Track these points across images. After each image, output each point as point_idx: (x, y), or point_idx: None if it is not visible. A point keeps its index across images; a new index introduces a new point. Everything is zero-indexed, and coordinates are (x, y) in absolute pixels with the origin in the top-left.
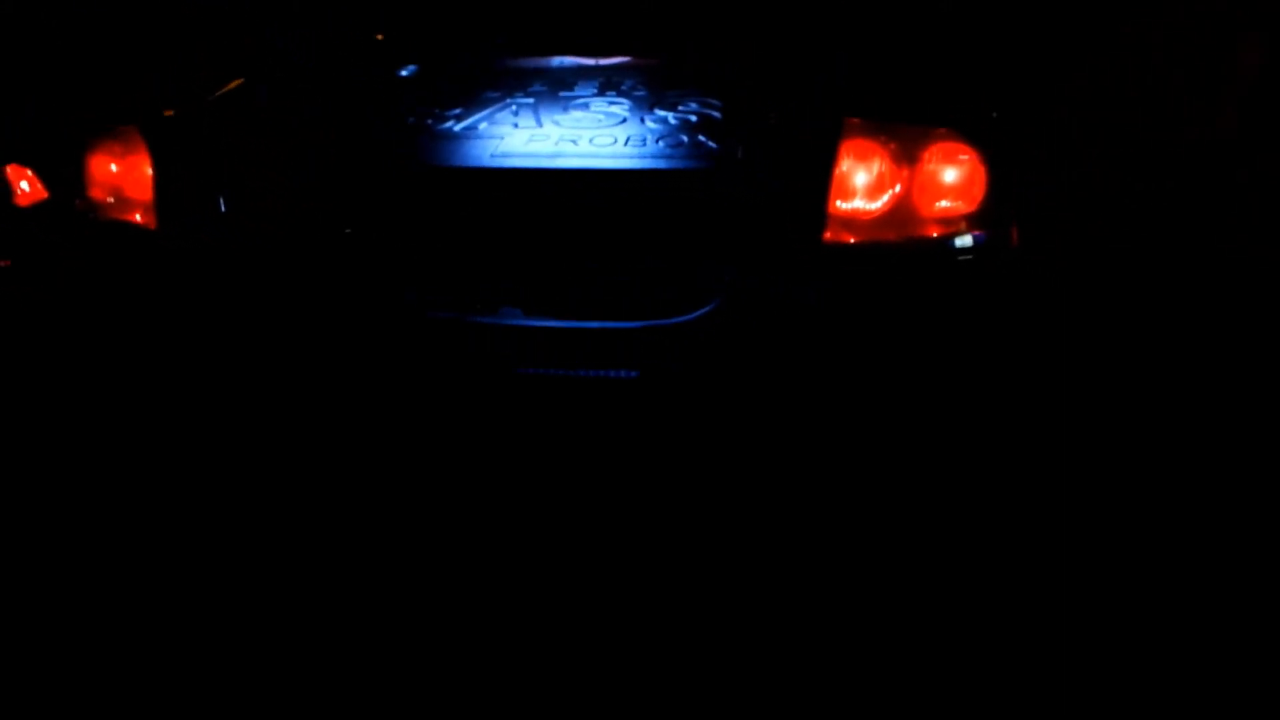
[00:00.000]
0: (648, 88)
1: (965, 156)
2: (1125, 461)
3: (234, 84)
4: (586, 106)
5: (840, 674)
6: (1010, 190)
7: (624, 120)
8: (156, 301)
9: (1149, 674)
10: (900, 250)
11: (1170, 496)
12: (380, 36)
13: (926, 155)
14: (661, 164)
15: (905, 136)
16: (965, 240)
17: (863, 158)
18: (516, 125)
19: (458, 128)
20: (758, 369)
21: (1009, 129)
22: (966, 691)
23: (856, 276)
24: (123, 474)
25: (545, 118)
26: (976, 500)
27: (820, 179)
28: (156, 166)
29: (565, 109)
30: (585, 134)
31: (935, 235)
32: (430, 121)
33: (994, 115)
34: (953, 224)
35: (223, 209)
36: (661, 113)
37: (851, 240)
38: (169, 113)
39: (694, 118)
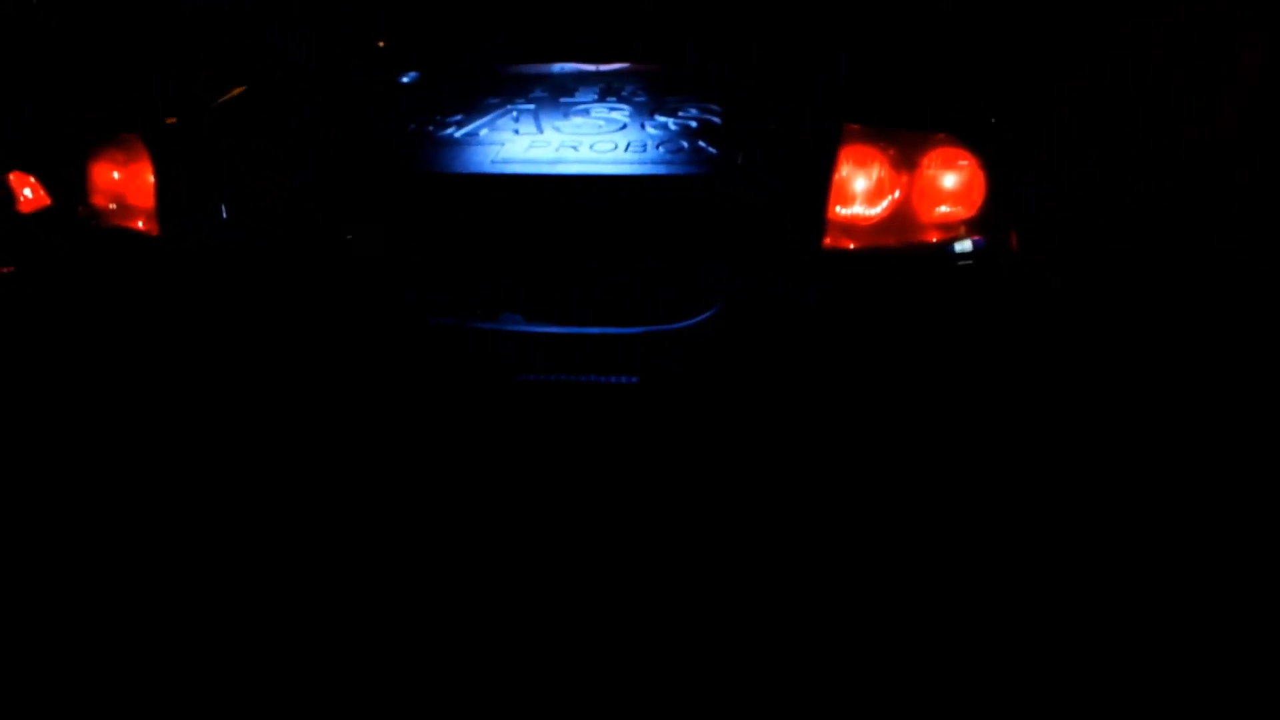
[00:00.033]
0: (648, 93)
1: (964, 162)
2: (1125, 464)
3: (236, 91)
4: (587, 112)
5: (841, 674)
6: (1009, 195)
7: (624, 126)
8: (159, 308)
9: (1148, 674)
10: (900, 255)
11: (1170, 497)
12: (381, 43)
13: (926, 161)
14: (661, 169)
15: (904, 142)
16: (965, 245)
17: (862, 163)
18: (517, 131)
19: (459, 134)
20: (758, 374)
21: (1008, 133)
22: (966, 692)
23: (856, 282)
24: (126, 477)
25: (546, 124)
26: (979, 503)
27: (820, 185)
28: (158, 173)
29: (566, 115)
30: (586, 140)
31: (935, 240)
32: (431, 128)
33: (993, 120)
34: (952, 229)
35: (224, 216)
36: (662, 118)
37: (851, 246)
38: (171, 120)
39: (694, 123)
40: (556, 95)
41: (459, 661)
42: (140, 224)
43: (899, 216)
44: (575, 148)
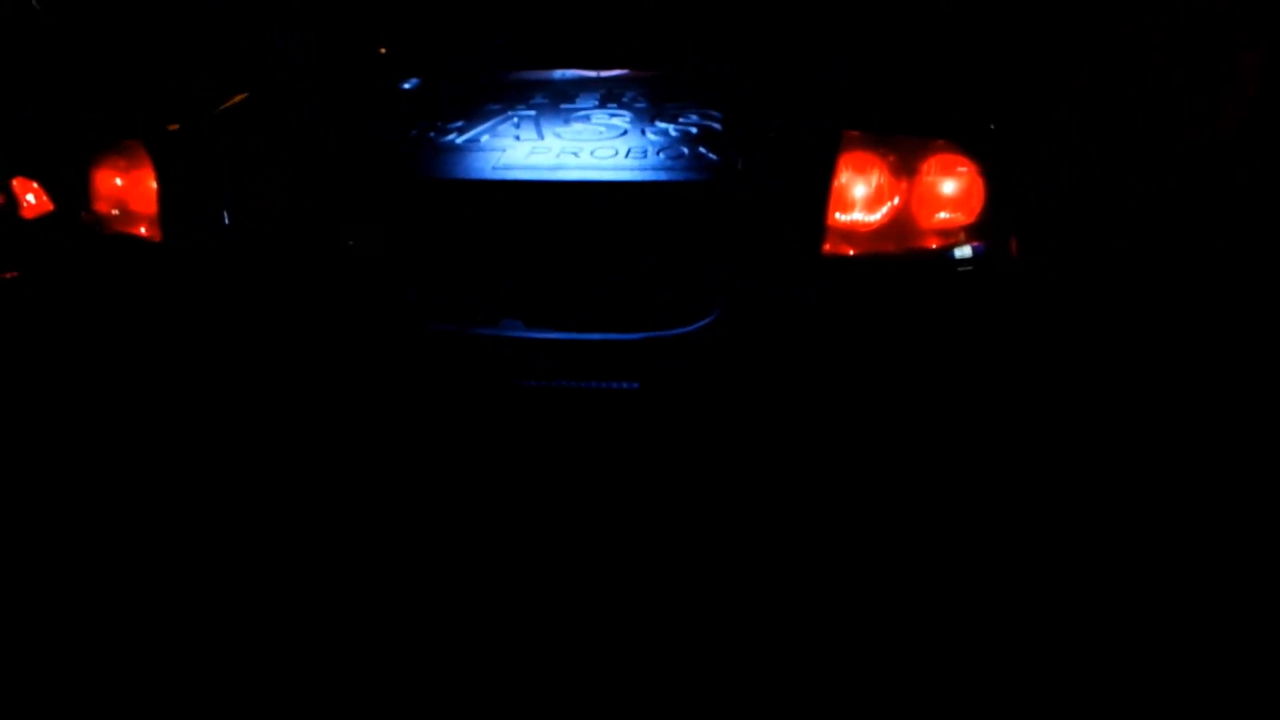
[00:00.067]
0: (648, 99)
1: (964, 168)
2: (1125, 465)
3: (238, 98)
4: (588, 119)
5: (841, 674)
6: (1009, 201)
7: (625, 132)
8: (161, 313)
9: (1148, 675)
10: (899, 261)
11: (1171, 500)
12: (383, 49)
13: (925, 167)
14: (662, 175)
15: (904, 149)
16: (964, 251)
17: (862, 170)
18: (518, 137)
19: (460, 140)
20: (758, 380)
21: (1007, 139)
22: (967, 693)
23: (856, 288)
24: (130, 480)
25: (547, 130)
26: (981, 506)
27: (819, 191)
28: (161, 180)
29: (566, 121)
30: (586, 146)
31: (934, 246)
32: (433, 134)
33: (992, 127)
34: (952, 235)
35: (226, 222)
36: (662, 125)
37: (851, 252)
38: (173, 126)
39: (694, 129)
40: (557, 101)
41: (461, 661)
42: (143, 230)
43: (899, 223)
44: (576, 154)
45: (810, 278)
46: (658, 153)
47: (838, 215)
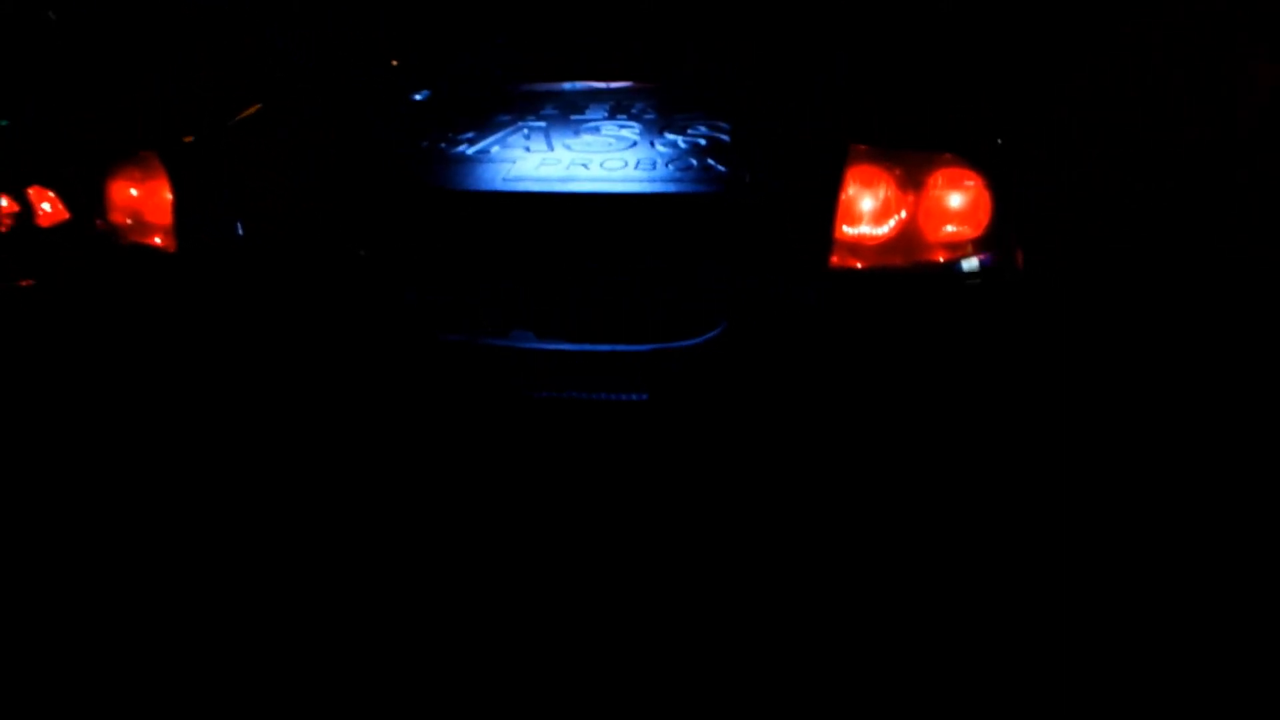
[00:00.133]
0: (657, 111)
1: (971, 182)
2: (1131, 474)
3: (251, 109)
4: (597, 130)
5: (848, 682)
6: (1015, 213)
7: (634, 144)
8: (176, 323)
9: (1147, 678)
10: (906, 275)
11: (1173, 506)
12: (395, 62)
13: (932, 181)
14: (671, 187)
15: (911, 162)
16: (971, 264)
17: (869, 183)
18: (528, 149)
19: (470, 151)
20: (765, 392)
21: (1013, 150)
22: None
23: (863, 301)
24: (142, 487)
25: (556, 141)
26: (992, 522)
27: (826, 204)
28: (176, 191)
29: (576, 132)
30: (596, 158)
31: (941, 260)
32: (444, 145)
33: (999, 141)
34: (959, 248)
35: (240, 233)
36: (671, 136)
37: (858, 265)
38: (188, 138)
39: (703, 141)
40: (567, 113)
41: (469, 665)
42: (158, 240)
43: (905, 236)
44: (586, 165)
45: (817, 290)
46: (666, 164)
47: (845, 228)
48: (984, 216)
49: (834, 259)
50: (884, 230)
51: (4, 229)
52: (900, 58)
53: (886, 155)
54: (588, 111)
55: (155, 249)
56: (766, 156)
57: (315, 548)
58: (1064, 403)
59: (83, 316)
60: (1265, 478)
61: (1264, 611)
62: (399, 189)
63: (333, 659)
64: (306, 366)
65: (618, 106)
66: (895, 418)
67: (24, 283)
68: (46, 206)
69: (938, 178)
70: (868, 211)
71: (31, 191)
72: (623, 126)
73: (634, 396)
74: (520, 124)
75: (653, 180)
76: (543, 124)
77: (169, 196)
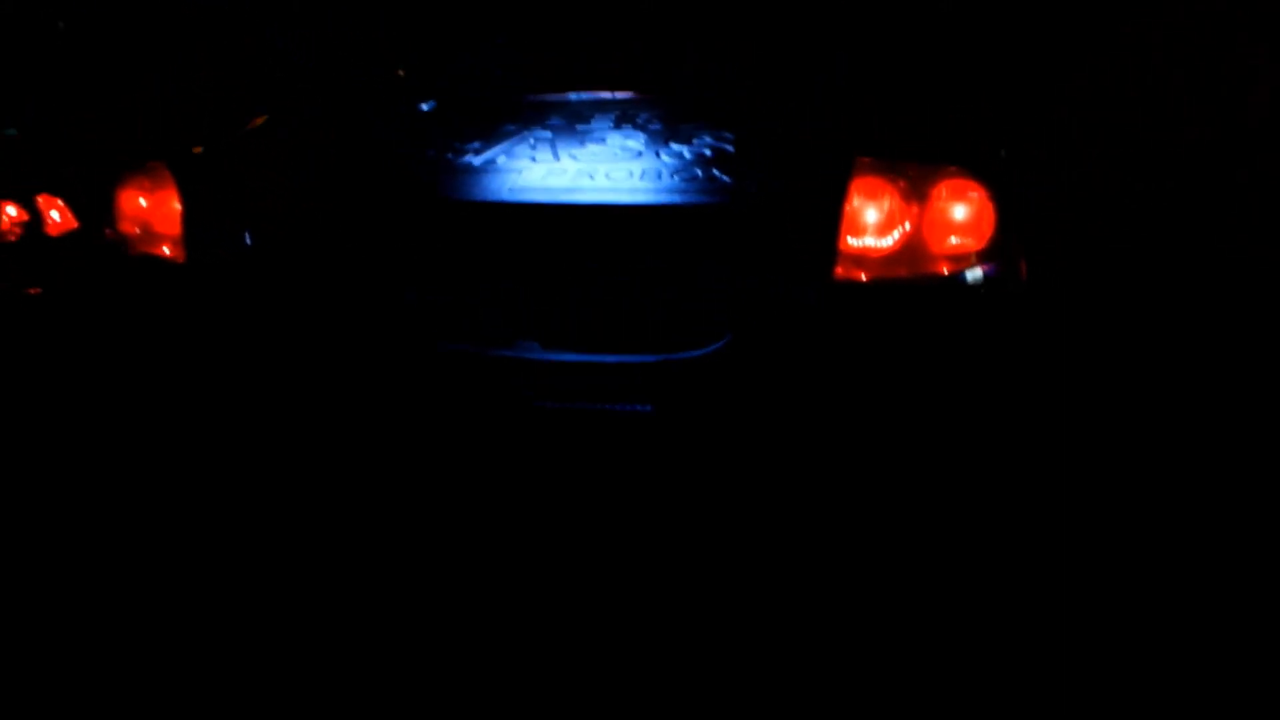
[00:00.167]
0: (662, 121)
1: (975, 194)
2: (1134, 480)
3: (259, 120)
4: (602, 141)
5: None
6: (1019, 224)
7: (639, 155)
8: (184, 333)
9: (1147, 679)
10: (910, 287)
11: (1175, 508)
12: (401, 72)
13: (936, 193)
14: (676, 199)
15: (915, 174)
16: (975, 276)
17: (873, 195)
18: (534, 159)
19: (477, 162)
20: (769, 403)
21: (1016, 161)
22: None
23: (867, 312)
24: (148, 492)
25: (562, 152)
26: (992, 532)
27: (831, 216)
28: (185, 201)
29: (581, 143)
30: (601, 168)
31: (945, 272)
32: (450, 156)
33: (1002, 152)
34: (963, 260)
35: (248, 243)
36: (676, 147)
37: (863, 276)
38: (197, 149)
39: (707, 152)
40: (572, 123)
41: (475, 668)
42: (167, 250)
43: (910, 248)
44: (591, 176)
45: (821, 301)
46: (671, 175)
47: (849, 240)
48: (988, 228)
49: (838, 270)
50: (888, 242)
51: (13, 237)
52: (903, 63)
53: (891, 167)
54: (593, 121)
55: (164, 259)
56: (771, 168)
57: (323, 552)
58: (1067, 414)
59: (91, 325)
60: (1266, 478)
61: (1264, 611)
62: (407, 200)
63: (333, 659)
64: (315, 376)
65: (623, 116)
66: (900, 429)
67: (32, 291)
68: (55, 215)
69: (942, 190)
70: (872, 223)
71: (40, 200)
72: (628, 137)
73: (638, 407)
74: (526, 134)
75: (658, 191)
76: (549, 134)
77: (178, 207)
